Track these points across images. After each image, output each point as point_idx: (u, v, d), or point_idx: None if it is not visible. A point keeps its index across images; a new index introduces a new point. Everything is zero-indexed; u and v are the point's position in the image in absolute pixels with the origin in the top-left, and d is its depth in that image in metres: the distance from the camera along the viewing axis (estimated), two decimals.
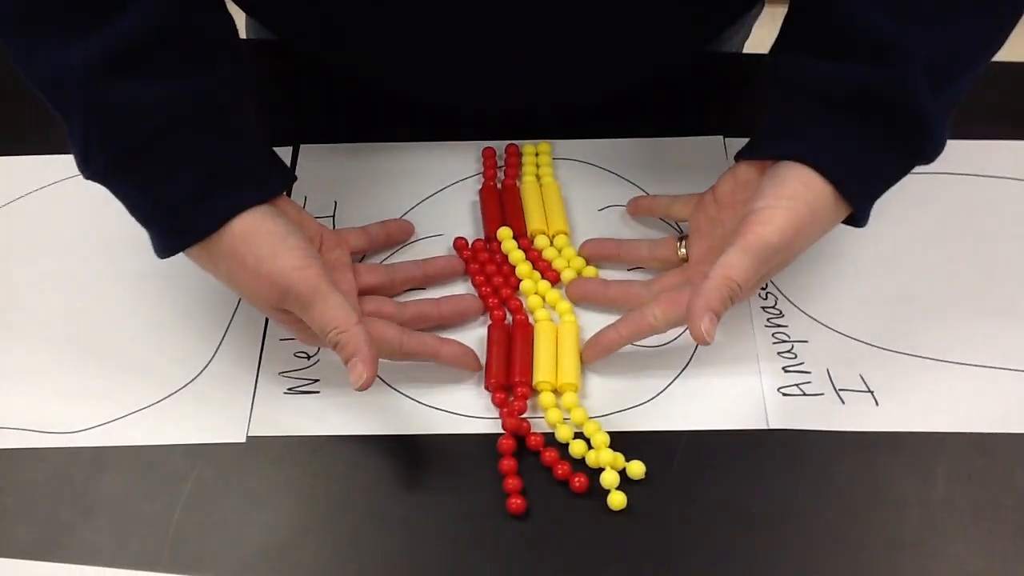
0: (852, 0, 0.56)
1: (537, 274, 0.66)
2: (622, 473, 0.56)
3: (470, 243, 0.68)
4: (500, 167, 0.73)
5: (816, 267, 0.66)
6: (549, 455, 0.57)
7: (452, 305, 0.64)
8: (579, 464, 0.57)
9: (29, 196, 0.73)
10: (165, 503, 0.56)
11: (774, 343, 0.63)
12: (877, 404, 0.59)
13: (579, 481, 0.56)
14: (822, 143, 0.57)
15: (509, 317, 0.64)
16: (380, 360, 0.59)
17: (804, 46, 0.58)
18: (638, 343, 0.62)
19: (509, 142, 0.74)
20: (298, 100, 0.79)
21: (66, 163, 0.72)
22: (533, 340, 0.62)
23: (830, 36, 0.57)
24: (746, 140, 0.63)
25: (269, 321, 0.64)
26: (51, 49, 0.54)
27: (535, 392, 0.60)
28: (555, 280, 0.66)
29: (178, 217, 0.56)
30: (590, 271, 0.67)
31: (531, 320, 0.64)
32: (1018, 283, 0.66)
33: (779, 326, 0.64)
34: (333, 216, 0.71)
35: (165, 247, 0.57)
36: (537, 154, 0.74)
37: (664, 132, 0.75)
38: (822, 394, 0.60)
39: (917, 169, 0.59)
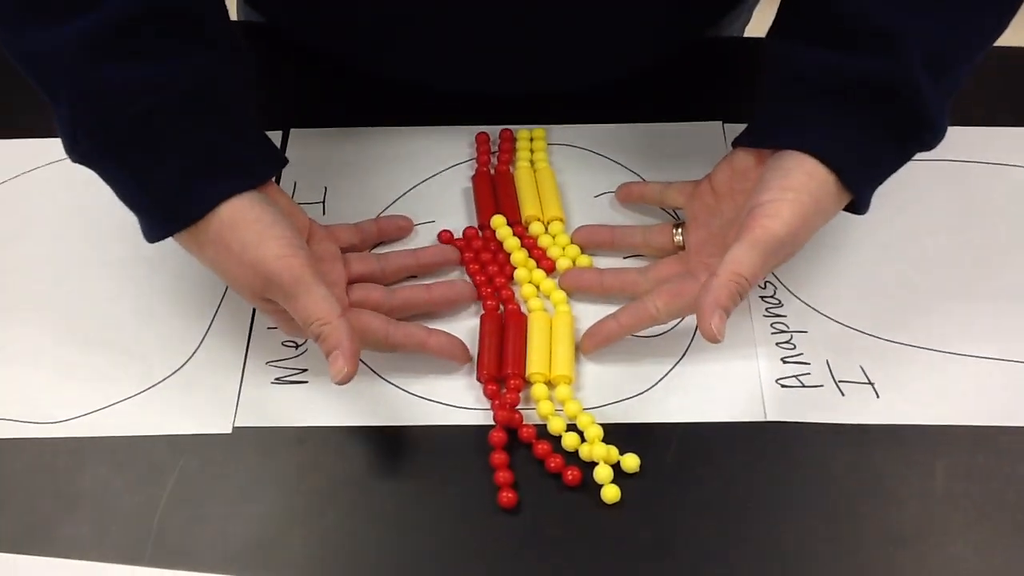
0: None
1: (532, 263, 0.65)
2: (616, 467, 0.55)
3: (460, 232, 0.67)
4: (494, 152, 0.72)
5: (815, 255, 0.65)
6: (541, 448, 0.56)
7: (443, 291, 0.63)
8: (572, 456, 0.56)
9: (14, 180, 0.72)
10: (149, 495, 0.55)
11: (773, 333, 0.62)
12: (878, 396, 0.58)
13: (572, 474, 0.55)
14: (823, 132, 0.57)
15: (502, 307, 0.63)
16: (370, 350, 0.59)
17: (802, 34, 0.58)
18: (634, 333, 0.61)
19: (503, 127, 0.73)
20: (288, 84, 0.78)
21: (47, 146, 0.71)
22: (527, 331, 0.61)
23: (829, 24, 0.56)
24: (745, 126, 0.62)
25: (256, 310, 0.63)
26: (38, 31, 0.53)
27: (528, 384, 0.59)
28: (550, 269, 0.65)
29: (165, 203, 0.55)
30: (585, 260, 0.65)
31: (524, 310, 0.63)
32: (1020, 270, 0.65)
33: (778, 316, 0.63)
34: (323, 202, 0.69)
35: (153, 232, 0.57)
36: (532, 139, 0.72)
37: (662, 118, 0.74)
38: (821, 386, 0.59)
39: (917, 156, 0.59)
